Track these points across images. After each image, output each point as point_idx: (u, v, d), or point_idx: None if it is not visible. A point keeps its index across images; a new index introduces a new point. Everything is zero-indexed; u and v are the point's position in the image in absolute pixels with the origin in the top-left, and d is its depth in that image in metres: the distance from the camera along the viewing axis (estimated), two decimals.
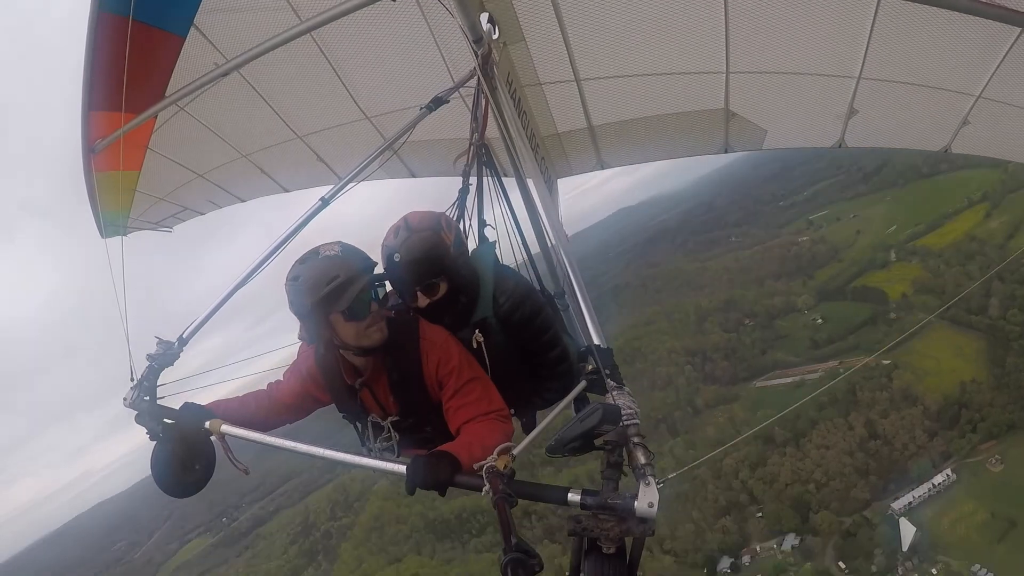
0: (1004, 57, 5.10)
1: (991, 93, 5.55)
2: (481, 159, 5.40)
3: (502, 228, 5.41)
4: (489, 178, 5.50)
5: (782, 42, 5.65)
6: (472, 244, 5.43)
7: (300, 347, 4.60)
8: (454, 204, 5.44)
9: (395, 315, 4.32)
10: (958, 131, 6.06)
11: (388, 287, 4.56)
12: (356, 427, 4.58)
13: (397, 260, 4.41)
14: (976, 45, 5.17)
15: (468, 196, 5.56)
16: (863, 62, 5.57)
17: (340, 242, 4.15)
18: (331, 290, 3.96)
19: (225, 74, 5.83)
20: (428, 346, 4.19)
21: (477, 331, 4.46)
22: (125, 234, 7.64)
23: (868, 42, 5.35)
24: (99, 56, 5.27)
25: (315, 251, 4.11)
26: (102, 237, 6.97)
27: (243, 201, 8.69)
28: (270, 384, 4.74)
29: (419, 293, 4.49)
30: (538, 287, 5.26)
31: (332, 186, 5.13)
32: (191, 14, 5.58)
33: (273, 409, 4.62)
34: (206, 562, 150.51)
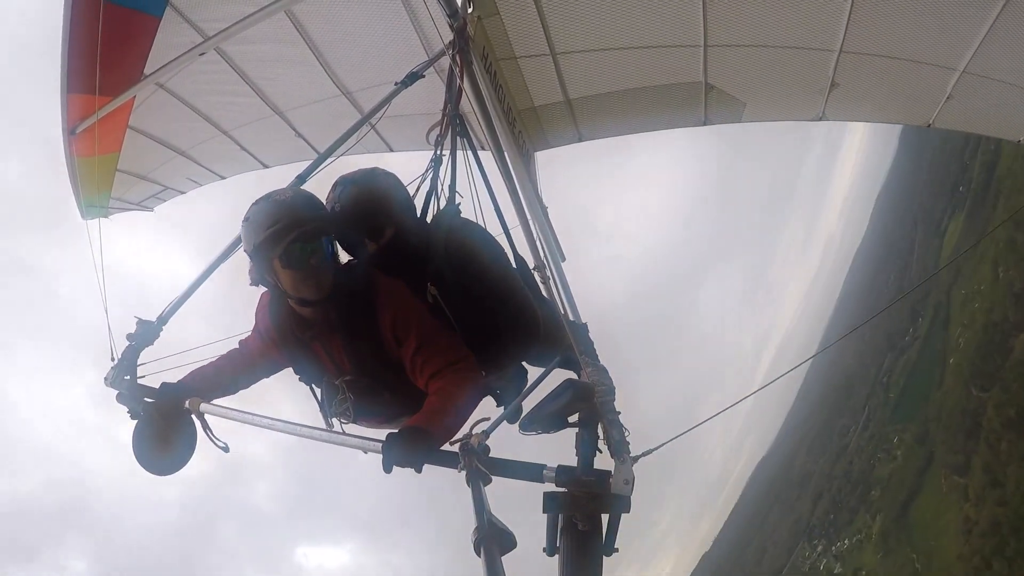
0: (989, 29, 5.05)
1: (975, 68, 5.50)
2: (455, 131, 5.28)
3: (476, 199, 5.26)
4: (464, 150, 5.39)
5: (760, 15, 5.55)
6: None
7: (257, 305, 4.50)
8: (424, 174, 5.30)
9: (348, 268, 4.22)
10: (941, 106, 6.01)
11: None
12: (313, 391, 4.51)
13: (339, 209, 4.34)
14: (961, 17, 5.12)
15: (440, 167, 5.40)
16: (844, 35, 5.49)
17: (297, 188, 4.15)
18: (269, 235, 3.89)
19: (202, 53, 5.74)
20: (384, 299, 4.09)
21: (430, 284, 4.30)
22: (106, 216, 7.58)
23: (849, 14, 5.27)
24: (75, 39, 5.17)
25: (269, 194, 4.06)
26: (83, 219, 6.89)
27: (223, 178, 8.61)
28: (241, 341, 4.66)
29: (368, 241, 4.41)
30: (512, 256, 5.13)
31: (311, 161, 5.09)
32: None
33: (246, 368, 4.59)
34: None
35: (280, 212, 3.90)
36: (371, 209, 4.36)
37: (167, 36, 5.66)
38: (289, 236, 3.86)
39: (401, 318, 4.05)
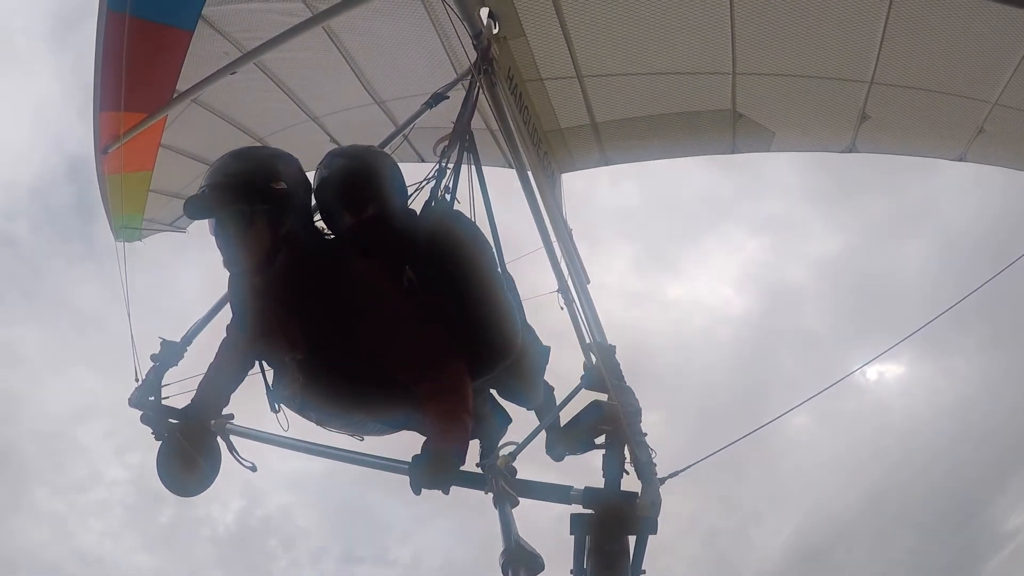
0: (1021, 60, 4.99)
1: (1008, 100, 5.42)
2: (462, 145, 4.91)
3: (474, 212, 4.82)
4: (469, 164, 4.99)
5: (790, 43, 5.54)
6: None
7: None
8: (424, 181, 4.71)
9: (315, 240, 3.92)
10: (973, 139, 5.92)
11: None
12: (263, 371, 4.18)
13: (325, 175, 4.01)
14: (993, 47, 5.06)
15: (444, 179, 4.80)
16: (875, 66, 5.45)
17: (244, 148, 3.91)
18: (196, 192, 3.61)
19: (233, 72, 5.67)
20: (350, 278, 3.72)
21: (408, 267, 3.89)
22: (140, 238, 7.57)
23: (880, 44, 5.23)
24: (108, 56, 5.15)
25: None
26: (116, 240, 6.78)
27: None
28: (226, 328, 4.40)
29: (347, 212, 4.03)
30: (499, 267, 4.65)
31: None
32: (198, 9, 5.49)
33: (240, 353, 4.31)
34: None
35: (210, 171, 3.65)
36: (354, 182, 4.01)
37: (200, 48, 5.66)
38: (201, 200, 3.56)
39: (370, 295, 3.72)
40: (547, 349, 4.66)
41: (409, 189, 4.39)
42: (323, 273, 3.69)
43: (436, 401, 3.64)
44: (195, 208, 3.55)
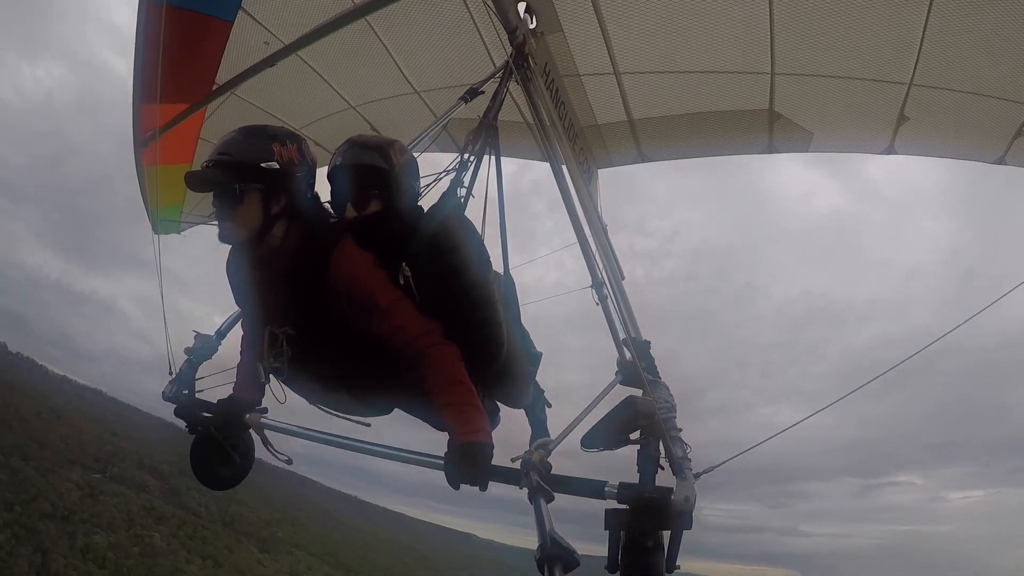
0: None
1: None
2: (486, 138, 4.95)
3: (485, 206, 4.89)
4: (489, 155, 5.02)
5: (829, 44, 5.53)
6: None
7: None
8: (443, 173, 4.85)
9: (316, 222, 3.88)
10: (1012, 142, 5.85)
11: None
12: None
13: (338, 164, 4.08)
14: None
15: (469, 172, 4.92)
16: (914, 67, 5.41)
17: (252, 126, 3.87)
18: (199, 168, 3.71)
19: (272, 64, 5.60)
20: (341, 259, 3.70)
21: (404, 264, 3.84)
22: (179, 231, 7.60)
23: (920, 46, 5.21)
24: (149, 47, 5.15)
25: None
26: (155, 233, 6.77)
27: None
28: (242, 324, 4.48)
29: (350, 205, 4.09)
30: (502, 267, 4.75)
31: None
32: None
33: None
34: None
35: (214, 149, 3.70)
36: (361, 178, 4.06)
37: (240, 39, 5.68)
38: (200, 175, 3.67)
39: (360, 279, 3.69)
40: (538, 355, 4.71)
41: (429, 179, 4.45)
42: (316, 253, 3.72)
43: (442, 395, 3.65)
44: (192, 182, 3.65)
